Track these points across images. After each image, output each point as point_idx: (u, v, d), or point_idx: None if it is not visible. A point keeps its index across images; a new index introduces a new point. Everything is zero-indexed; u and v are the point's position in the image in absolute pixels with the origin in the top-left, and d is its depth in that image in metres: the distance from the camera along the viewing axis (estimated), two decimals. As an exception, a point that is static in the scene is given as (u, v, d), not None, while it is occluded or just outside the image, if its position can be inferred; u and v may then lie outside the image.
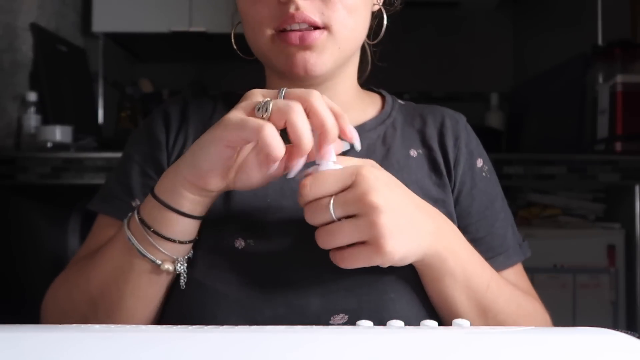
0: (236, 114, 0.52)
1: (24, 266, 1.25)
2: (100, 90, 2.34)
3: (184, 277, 0.59)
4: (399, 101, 0.76)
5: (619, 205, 1.74)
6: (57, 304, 0.65)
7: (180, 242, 0.57)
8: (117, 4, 2.17)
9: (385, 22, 0.70)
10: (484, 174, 0.71)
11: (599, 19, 1.89)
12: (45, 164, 1.62)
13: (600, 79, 1.82)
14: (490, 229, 0.68)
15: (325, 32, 0.61)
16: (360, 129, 0.69)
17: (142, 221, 0.57)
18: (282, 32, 0.61)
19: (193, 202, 0.56)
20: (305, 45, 0.61)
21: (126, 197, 0.67)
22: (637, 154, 1.64)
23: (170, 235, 0.57)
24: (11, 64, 1.81)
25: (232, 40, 0.70)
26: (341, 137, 0.55)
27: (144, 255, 0.57)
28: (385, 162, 0.67)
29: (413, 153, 0.69)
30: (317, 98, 0.52)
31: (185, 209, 0.56)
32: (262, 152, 0.52)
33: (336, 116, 0.53)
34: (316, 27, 0.61)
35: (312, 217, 0.54)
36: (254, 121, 0.50)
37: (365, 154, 0.68)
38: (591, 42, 1.88)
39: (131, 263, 0.58)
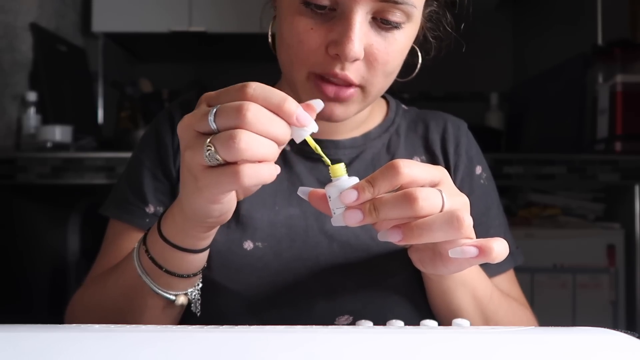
0: (197, 158, 0.44)
1: (24, 266, 1.25)
2: (100, 90, 2.34)
3: (198, 306, 0.59)
4: (403, 106, 0.77)
5: (618, 205, 1.74)
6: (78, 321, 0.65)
7: (194, 275, 0.58)
8: (117, 4, 2.17)
9: (419, 60, 0.68)
10: (482, 180, 0.72)
11: (598, 19, 1.89)
12: (45, 163, 1.62)
13: (600, 79, 1.82)
14: (484, 236, 0.69)
15: (358, 90, 0.60)
16: (366, 137, 0.71)
17: (153, 260, 0.55)
18: (318, 76, 0.59)
19: (207, 237, 0.55)
20: (336, 98, 0.60)
21: (140, 203, 0.68)
22: (637, 153, 1.64)
23: (184, 272, 0.56)
24: (11, 64, 1.81)
25: (269, 40, 0.67)
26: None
27: (158, 294, 0.57)
28: None
29: (416, 160, 0.70)
30: (253, 90, 0.44)
31: (200, 247, 0.55)
32: None
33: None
34: (351, 84, 0.59)
35: (426, 203, 0.45)
36: (226, 173, 0.43)
37: (370, 162, 0.69)
38: (591, 42, 1.87)
39: (145, 299, 0.58)
